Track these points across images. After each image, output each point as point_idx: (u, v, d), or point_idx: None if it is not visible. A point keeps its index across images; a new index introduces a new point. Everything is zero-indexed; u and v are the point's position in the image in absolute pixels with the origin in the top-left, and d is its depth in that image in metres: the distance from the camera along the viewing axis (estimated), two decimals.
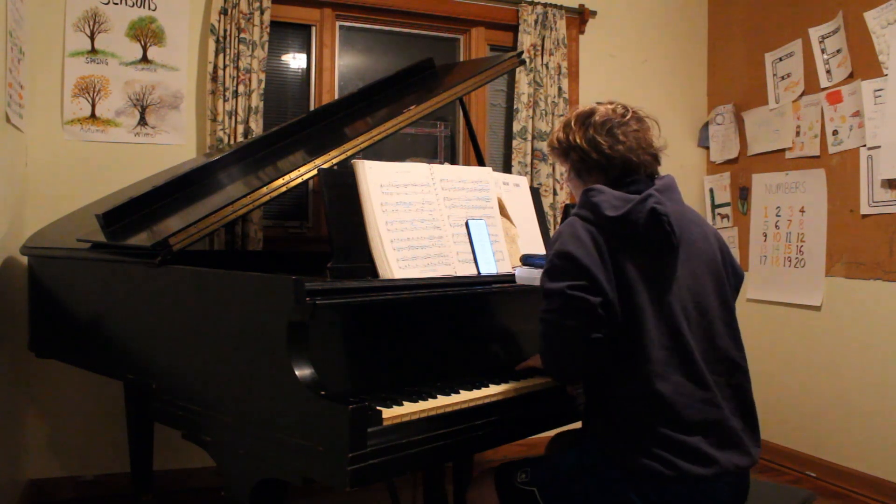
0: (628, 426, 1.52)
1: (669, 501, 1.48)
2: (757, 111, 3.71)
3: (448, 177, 2.00)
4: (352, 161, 1.87)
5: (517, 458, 1.67)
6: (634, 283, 1.51)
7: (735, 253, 3.74)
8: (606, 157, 1.61)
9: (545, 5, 3.57)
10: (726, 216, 3.90)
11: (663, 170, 1.70)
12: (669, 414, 1.48)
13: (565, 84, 3.60)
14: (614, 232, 1.53)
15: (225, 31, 3.02)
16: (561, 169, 3.55)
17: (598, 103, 1.68)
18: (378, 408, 1.41)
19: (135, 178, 2.83)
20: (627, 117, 1.63)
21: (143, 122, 3.04)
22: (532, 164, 3.54)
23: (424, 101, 2.27)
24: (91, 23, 2.96)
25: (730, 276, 1.66)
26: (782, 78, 3.55)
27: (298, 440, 1.39)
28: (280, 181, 1.89)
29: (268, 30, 3.08)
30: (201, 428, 1.68)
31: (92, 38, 2.97)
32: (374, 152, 2.64)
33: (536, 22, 3.56)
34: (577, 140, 1.64)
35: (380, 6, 3.41)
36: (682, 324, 1.52)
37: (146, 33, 3.04)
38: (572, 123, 1.68)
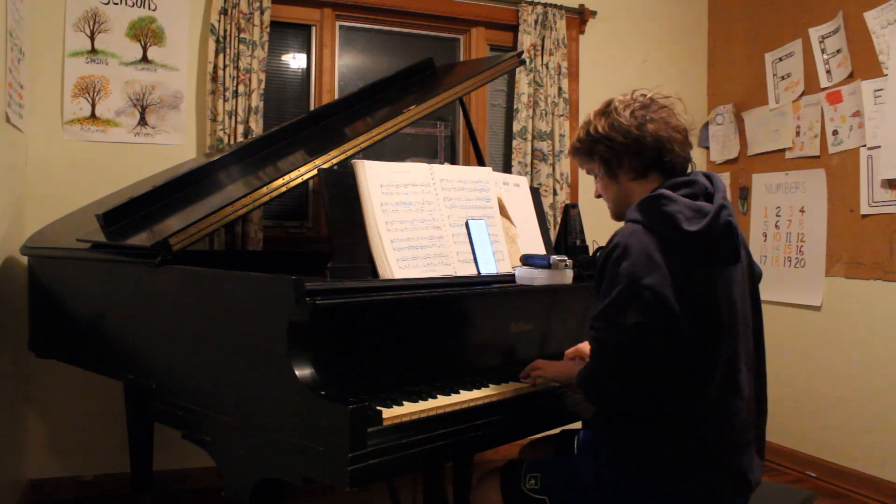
0: (671, 445, 1.44)
1: None
2: (757, 111, 3.71)
3: (448, 177, 2.01)
4: (352, 161, 1.88)
5: (522, 459, 1.64)
6: (706, 301, 1.42)
7: None
8: (635, 139, 1.51)
9: (545, 5, 3.57)
10: None
11: None
12: (720, 436, 1.44)
13: (565, 84, 3.60)
14: (690, 246, 1.42)
15: (225, 31, 3.02)
16: (561, 170, 3.55)
17: (613, 98, 1.60)
18: (378, 408, 1.41)
19: (135, 178, 2.83)
20: (647, 97, 1.56)
21: (143, 122, 3.04)
22: (532, 164, 3.54)
23: (424, 101, 2.26)
24: (91, 23, 2.96)
25: (755, 278, 1.61)
26: (782, 78, 3.55)
27: (298, 440, 1.39)
28: (280, 181, 1.89)
29: (268, 30, 3.08)
30: (201, 428, 1.68)
31: (92, 38, 2.97)
32: (374, 152, 2.64)
33: (536, 22, 3.56)
34: (601, 129, 1.54)
35: (380, 6, 3.41)
36: (738, 339, 1.47)
37: (146, 33, 3.03)
38: (591, 118, 1.59)
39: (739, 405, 1.47)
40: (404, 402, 1.50)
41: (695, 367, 1.43)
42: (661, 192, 1.48)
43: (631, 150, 1.53)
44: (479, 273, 1.96)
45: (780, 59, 3.57)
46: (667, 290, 1.38)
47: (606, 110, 1.57)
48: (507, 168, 3.65)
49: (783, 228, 3.56)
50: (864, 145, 3.09)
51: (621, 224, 1.55)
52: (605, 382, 1.47)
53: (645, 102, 1.55)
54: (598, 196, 1.68)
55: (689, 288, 1.40)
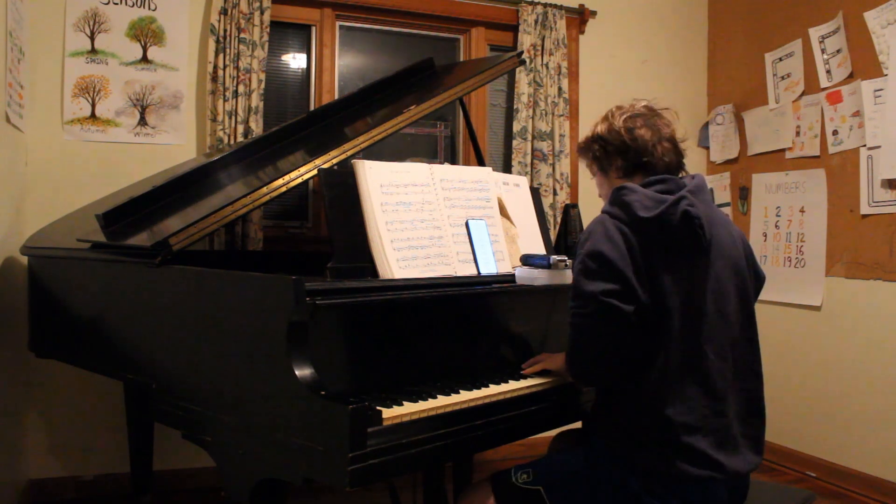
0: (634, 426, 1.52)
1: (680, 498, 1.49)
2: (757, 111, 3.71)
3: (448, 177, 2.01)
4: (352, 161, 1.88)
5: (510, 467, 1.66)
6: (665, 285, 1.50)
7: None
8: (622, 141, 1.65)
9: (545, 5, 3.57)
10: (726, 216, 3.90)
11: None
12: (677, 417, 1.49)
13: (565, 84, 3.60)
14: (646, 233, 1.52)
15: (225, 31, 3.02)
16: (561, 170, 3.55)
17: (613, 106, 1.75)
18: (378, 408, 1.41)
19: (135, 178, 2.83)
20: (641, 105, 1.70)
21: (143, 122, 3.04)
22: (532, 164, 3.54)
23: (424, 101, 2.26)
24: (91, 23, 2.96)
25: (752, 280, 1.66)
26: (782, 78, 3.55)
27: (298, 440, 1.39)
28: (280, 181, 1.89)
29: (268, 30, 3.08)
30: (201, 428, 1.68)
31: (92, 38, 2.97)
32: (374, 152, 2.64)
33: (536, 22, 3.56)
34: (599, 132, 1.70)
35: (380, 6, 3.41)
36: (703, 328, 1.53)
37: (146, 33, 3.04)
38: (595, 123, 1.74)
39: (695, 390, 1.50)
40: (404, 402, 1.50)
41: (649, 348, 1.51)
42: (624, 184, 1.60)
43: (619, 151, 1.67)
44: (479, 273, 1.96)
45: (780, 59, 3.57)
46: (624, 265, 1.49)
47: (605, 116, 1.72)
48: (507, 168, 3.65)
49: (783, 228, 3.56)
50: (864, 145, 3.09)
51: None
52: (583, 355, 1.57)
53: (639, 111, 1.69)
54: (601, 195, 1.79)
55: (646, 270, 1.50)
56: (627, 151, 1.65)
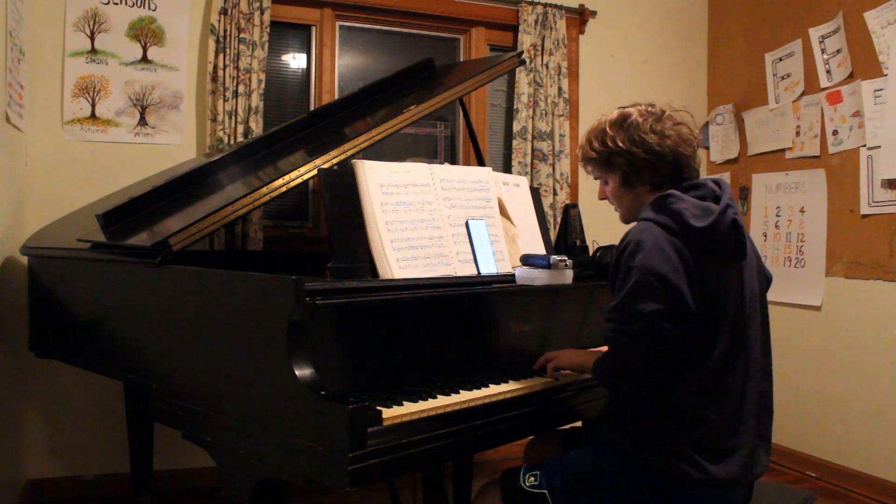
0: (666, 429, 1.49)
1: None
2: (757, 111, 3.71)
3: (448, 177, 2.01)
4: (352, 161, 1.88)
5: (521, 465, 1.65)
6: (717, 293, 1.48)
7: None
8: (657, 155, 1.57)
9: (545, 5, 3.57)
10: None
11: None
12: (713, 422, 1.48)
13: (565, 84, 3.60)
14: (697, 242, 1.48)
15: (225, 31, 3.02)
16: (561, 170, 3.55)
17: (623, 108, 1.64)
18: (378, 408, 1.41)
19: (135, 178, 2.83)
20: (665, 114, 1.61)
21: (143, 122, 3.04)
22: (532, 164, 3.54)
23: (424, 101, 2.26)
24: (91, 23, 2.96)
25: (763, 281, 1.66)
26: (782, 78, 3.55)
27: (298, 440, 1.39)
28: (280, 181, 1.89)
29: (268, 30, 3.08)
30: (201, 428, 1.68)
31: (92, 38, 2.97)
32: (374, 152, 2.64)
33: (536, 22, 3.56)
34: (620, 143, 1.59)
35: (380, 6, 3.41)
36: (745, 332, 1.52)
37: (146, 33, 3.03)
38: (608, 129, 1.62)
39: (734, 387, 1.50)
40: (404, 402, 1.50)
41: (694, 354, 1.48)
42: (670, 191, 1.54)
43: (651, 166, 1.59)
44: (479, 273, 1.96)
45: (780, 59, 3.57)
46: (679, 280, 1.44)
47: (625, 124, 1.60)
48: (507, 168, 3.65)
49: (783, 228, 3.56)
50: (864, 145, 3.09)
51: (627, 226, 1.62)
52: (624, 371, 1.52)
53: (659, 116, 1.60)
54: (603, 198, 1.73)
55: (698, 279, 1.47)
56: (661, 166, 1.58)
